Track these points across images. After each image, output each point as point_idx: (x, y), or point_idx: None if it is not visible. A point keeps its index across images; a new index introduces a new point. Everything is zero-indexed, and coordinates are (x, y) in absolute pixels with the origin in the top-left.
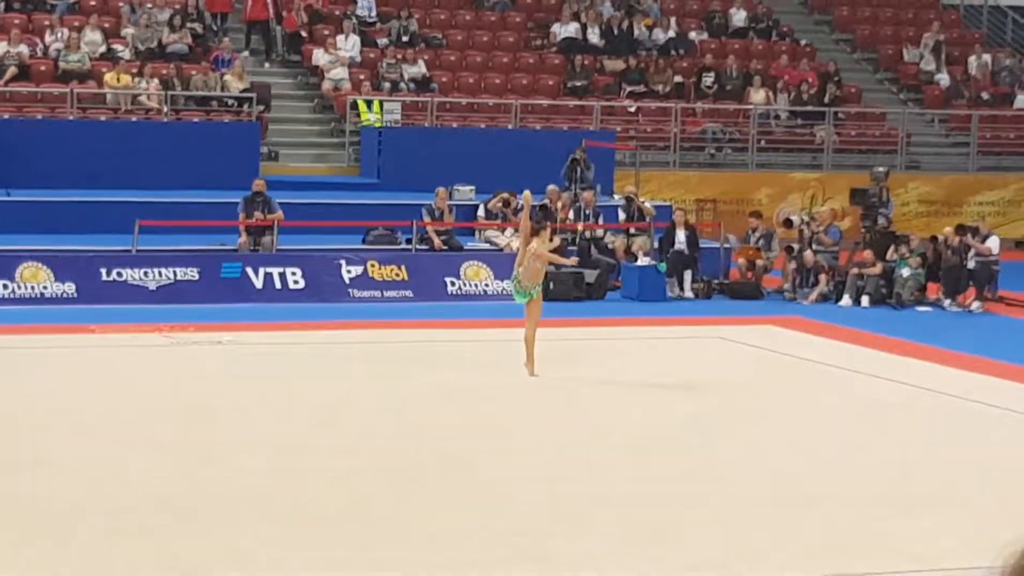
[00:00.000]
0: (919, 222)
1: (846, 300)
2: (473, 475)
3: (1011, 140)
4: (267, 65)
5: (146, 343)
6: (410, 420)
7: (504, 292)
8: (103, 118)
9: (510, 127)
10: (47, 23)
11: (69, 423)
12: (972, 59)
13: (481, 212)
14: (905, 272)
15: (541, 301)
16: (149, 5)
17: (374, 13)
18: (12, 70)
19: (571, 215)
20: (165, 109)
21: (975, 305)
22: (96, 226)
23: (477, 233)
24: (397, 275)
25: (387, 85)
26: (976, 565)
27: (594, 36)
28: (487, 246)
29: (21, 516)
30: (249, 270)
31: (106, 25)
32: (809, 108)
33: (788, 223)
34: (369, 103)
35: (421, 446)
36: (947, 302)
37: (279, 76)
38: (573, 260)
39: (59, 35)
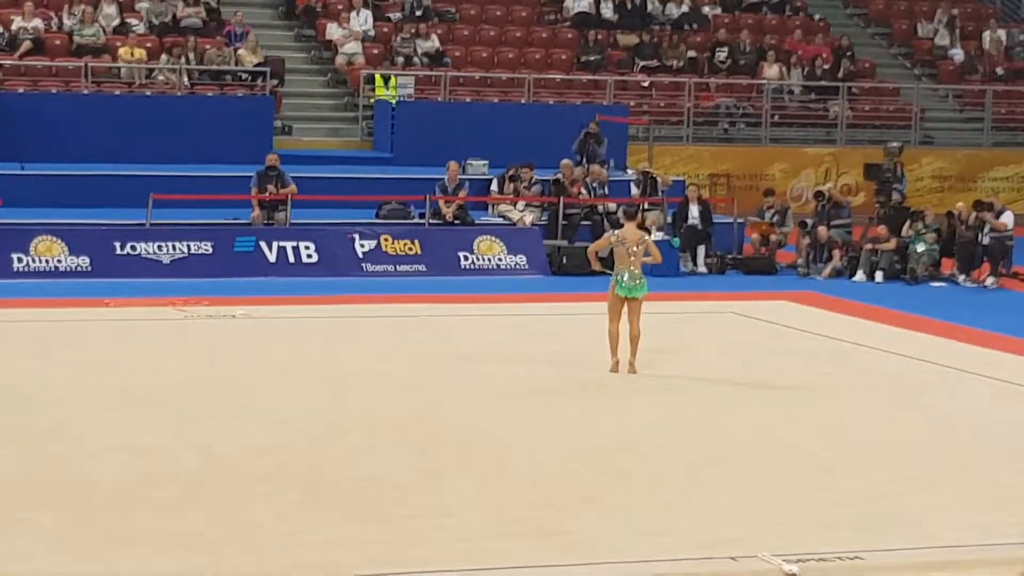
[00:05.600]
0: (932, 197)
1: (860, 276)
2: (486, 449)
3: None
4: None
5: (160, 317)
6: (423, 394)
7: (517, 267)
8: (117, 92)
9: (523, 102)
10: None
11: (82, 396)
12: (986, 34)
13: (494, 186)
14: (920, 247)
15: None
16: None
17: None
18: (27, 44)
19: (583, 190)
20: (179, 82)
21: (989, 281)
22: (110, 200)
23: (490, 207)
24: (410, 249)
25: (400, 59)
26: (991, 541)
27: (607, 11)
28: (500, 220)
29: (34, 488)
30: (263, 244)
31: None
32: (823, 83)
33: (819, 195)
34: (386, 78)
35: (434, 420)
36: (961, 278)
37: (293, 51)
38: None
39: (74, 9)
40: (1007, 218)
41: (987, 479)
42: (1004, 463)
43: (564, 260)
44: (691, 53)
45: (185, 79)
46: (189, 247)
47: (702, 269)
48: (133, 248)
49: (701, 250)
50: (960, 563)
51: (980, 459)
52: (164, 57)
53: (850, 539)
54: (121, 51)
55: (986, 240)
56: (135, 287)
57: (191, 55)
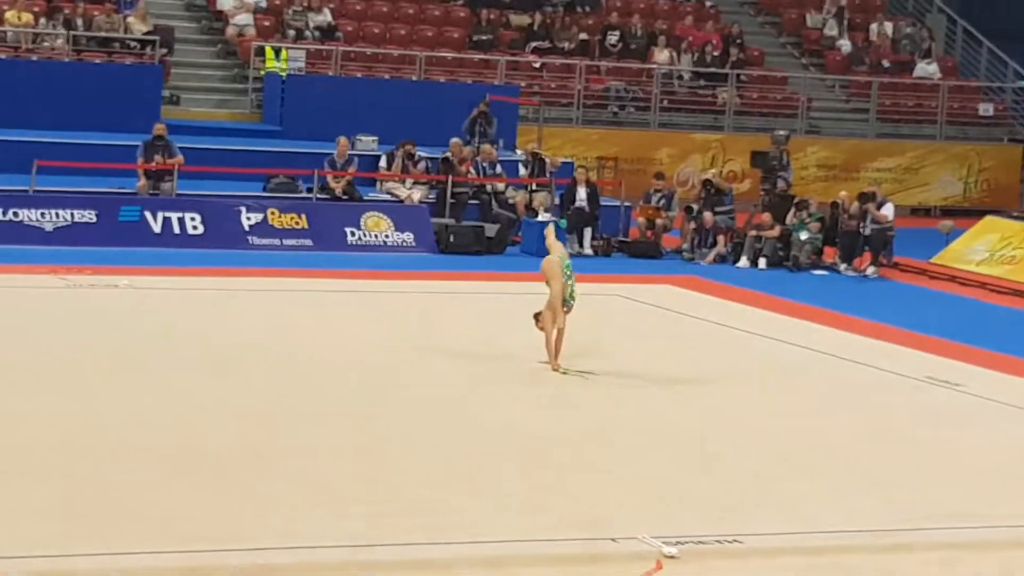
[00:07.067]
0: (817, 186)
1: (743, 262)
2: (371, 426)
3: (910, 108)
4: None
5: (42, 285)
6: (307, 369)
7: (404, 244)
8: (2, 56)
9: (414, 79)
10: None
11: None
12: (874, 26)
13: (383, 163)
14: (803, 236)
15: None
16: None
17: None
18: None
19: (471, 169)
20: (67, 49)
21: (870, 270)
22: None
23: (378, 184)
24: (297, 223)
25: (292, 33)
26: (867, 526)
27: None
28: (388, 197)
29: None
30: (148, 214)
31: None
32: (712, 70)
33: (707, 183)
34: (277, 51)
35: (318, 395)
36: (843, 266)
37: (183, 20)
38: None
39: None
40: (888, 209)
41: (864, 465)
42: (881, 449)
43: (451, 238)
44: (583, 36)
45: (72, 45)
46: (73, 215)
47: (588, 251)
48: (16, 215)
49: (588, 232)
50: (836, 547)
51: (858, 445)
52: (43, 21)
53: (729, 523)
54: (7, 15)
55: (868, 230)
56: (17, 254)
57: (79, 21)
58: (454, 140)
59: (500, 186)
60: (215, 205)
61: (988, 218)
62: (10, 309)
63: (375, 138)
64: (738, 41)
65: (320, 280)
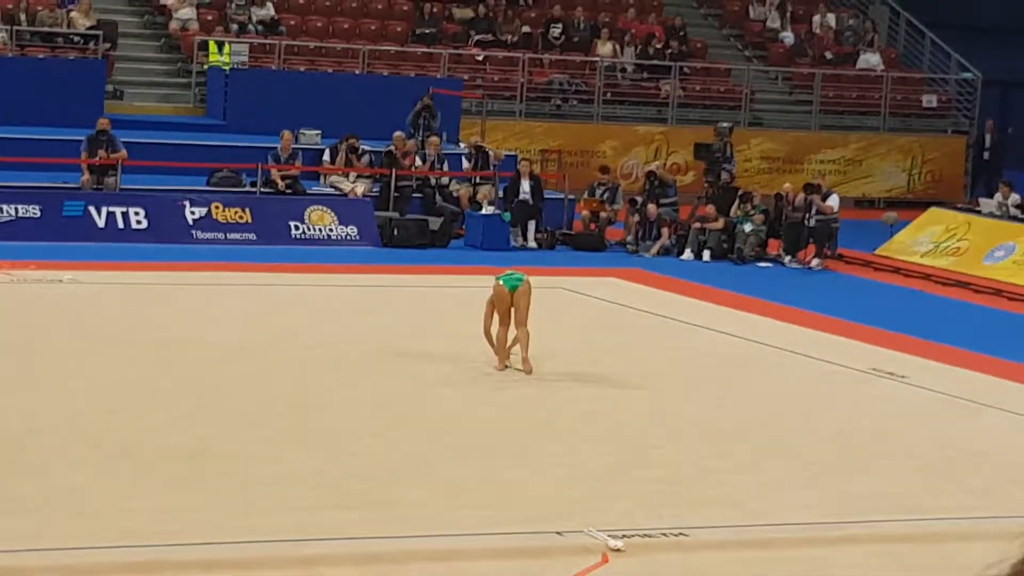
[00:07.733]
0: (761, 178)
1: (688, 254)
2: (315, 419)
3: (853, 99)
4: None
5: None
6: (252, 363)
7: (348, 237)
8: None
9: (358, 72)
10: None
11: None
12: (816, 18)
13: (327, 157)
14: (747, 228)
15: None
16: None
17: None
18: None
19: (417, 161)
20: (10, 44)
21: (815, 262)
22: None
23: (322, 178)
24: (241, 217)
25: (235, 26)
26: (813, 519)
27: None
28: (332, 191)
29: None
30: (92, 209)
31: None
32: (655, 62)
33: (651, 175)
34: (220, 45)
35: (263, 389)
36: (787, 258)
37: (126, 14)
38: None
39: None
40: (833, 201)
41: (810, 458)
42: (827, 442)
43: (395, 232)
44: (526, 28)
45: (15, 40)
46: (17, 210)
47: (532, 244)
48: None
49: (531, 225)
50: (783, 541)
51: (803, 438)
52: None
53: (675, 516)
54: None
55: (812, 222)
56: None
57: (22, 16)
58: (397, 133)
59: (444, 179)
60: (159, 199)
61: (932, 210)
62: None
63: (318, 132)
64: (681, 33)
65: (264, 274)
